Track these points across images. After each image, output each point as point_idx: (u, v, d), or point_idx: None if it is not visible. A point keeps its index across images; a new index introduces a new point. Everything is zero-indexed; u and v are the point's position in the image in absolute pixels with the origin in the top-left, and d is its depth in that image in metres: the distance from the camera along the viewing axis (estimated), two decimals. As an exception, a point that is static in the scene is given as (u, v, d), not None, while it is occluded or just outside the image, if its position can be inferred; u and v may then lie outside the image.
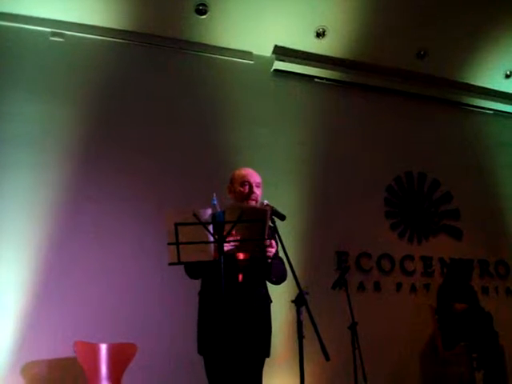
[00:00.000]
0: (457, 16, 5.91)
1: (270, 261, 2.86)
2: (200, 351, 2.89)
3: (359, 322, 4.25)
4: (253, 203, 3.00)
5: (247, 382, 2.87)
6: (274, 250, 2.82)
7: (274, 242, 2.82)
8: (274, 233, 2.83)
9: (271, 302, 3.07)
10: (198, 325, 2.96)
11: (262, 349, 2.94)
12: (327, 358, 2.41)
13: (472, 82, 6.68)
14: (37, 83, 4.99)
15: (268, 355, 2.98)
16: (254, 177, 3.08)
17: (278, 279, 3.03)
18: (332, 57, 6.04)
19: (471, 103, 6.80)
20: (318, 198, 5.69)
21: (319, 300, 4.84)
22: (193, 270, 2.90)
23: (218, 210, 2.81)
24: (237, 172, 3.14)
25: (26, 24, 5.04)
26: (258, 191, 3.05)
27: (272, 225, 2.80)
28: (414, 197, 6.24)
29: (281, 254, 2.86)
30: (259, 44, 5.78)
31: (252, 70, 5.84)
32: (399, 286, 5.83)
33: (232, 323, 2.72)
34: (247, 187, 3.03)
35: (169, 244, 2.49)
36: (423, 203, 6.28)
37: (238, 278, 2.88)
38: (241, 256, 2.88)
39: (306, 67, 5.97)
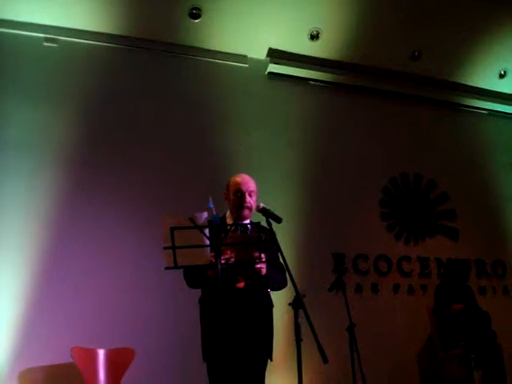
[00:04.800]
0: (450, 16, 5.92)
1: (264, 273, 2.90)
2: (205, 358, 2.91)
3: (357, 324, 4.24)
4: (246, 211, 3.02)
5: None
6: (264, 270, 2.88)
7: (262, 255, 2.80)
8: (266, 241, 2.83)
9: (273, 306, 3.08)
10: (201, 333, 2.96)
11: (265, 351, 2.97)
12: (325, 361, 2.42)
13: (466, 82, 6.68)
14: (31, 89, 4.97)
15: (271, 357, 3.00)
16: (248, 185, 3.08)
17: (276, 289, 3.07)
18: (326, 59, 6.03)
19: (466, 103, 6.79)
20: (314, 201, 5.69)
21: (316, 302, 4.83)
22: (192, 278, 2.92)
23: (214, 213, 2.81)
24: (232, 179, 3.15)
25: (19, 30, 5.01)
26: (251, 199, 3.06)
27: (268, 227, 2.81)
28: (410, 198, 6.24)
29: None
30: (253, 47, 5.77)
31: (246, 73, 5.83)
32: (396, 287, 5.83)
33: (235, 328, 2.73)
34: (240, 196, 3.04)
35: (165, 248, 2.50)
36: (419, 204, 6.27)
37: (238, 283, 2.89)
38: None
39: (301, 70, 5.96)
